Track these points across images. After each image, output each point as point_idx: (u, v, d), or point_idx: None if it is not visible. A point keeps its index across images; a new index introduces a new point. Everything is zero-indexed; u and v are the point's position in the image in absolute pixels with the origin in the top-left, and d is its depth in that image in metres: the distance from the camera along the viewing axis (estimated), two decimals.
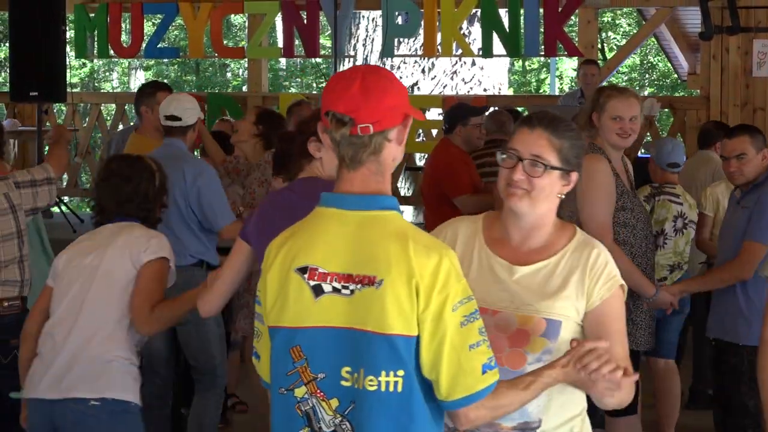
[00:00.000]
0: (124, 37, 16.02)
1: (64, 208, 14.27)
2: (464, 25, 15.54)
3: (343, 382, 3.49)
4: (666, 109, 15.52)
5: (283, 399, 3.60)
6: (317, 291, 3.52)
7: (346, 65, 18.93)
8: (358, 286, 3.47)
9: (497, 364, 3.61)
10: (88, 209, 19.91)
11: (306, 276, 3.54)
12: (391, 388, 3.43)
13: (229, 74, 31.55)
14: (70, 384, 5.58)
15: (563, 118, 4.17)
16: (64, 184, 17.52)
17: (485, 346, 3.49)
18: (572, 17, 14.73)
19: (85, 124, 16.61)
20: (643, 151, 12.45)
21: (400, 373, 3.43)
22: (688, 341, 9.77)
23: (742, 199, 6.91)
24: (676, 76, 26.04)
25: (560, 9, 14.44)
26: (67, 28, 15.03)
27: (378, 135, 3.50)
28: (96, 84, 32.70)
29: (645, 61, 32.75)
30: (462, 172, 9.46)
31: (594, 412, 8.10)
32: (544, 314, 3.94)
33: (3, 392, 7.14)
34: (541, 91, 32.03)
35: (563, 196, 4.07)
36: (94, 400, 5.60)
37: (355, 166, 3.53)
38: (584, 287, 3.98)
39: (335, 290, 3.49)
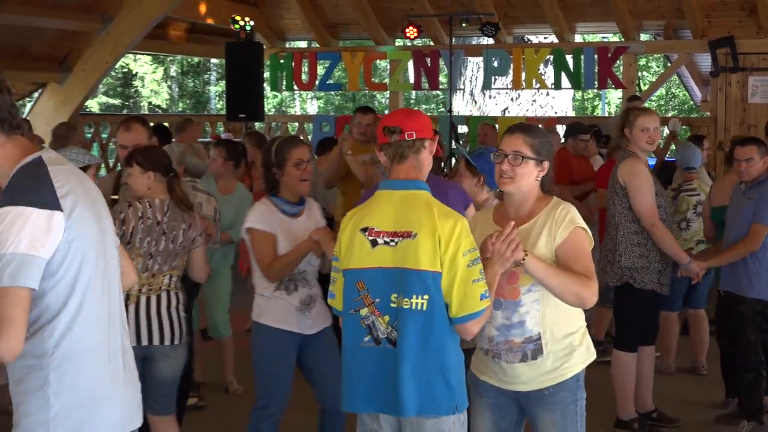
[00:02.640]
0: (303, 76, 16.12)
1: None
2: (541, 66, 15.41)
3: (392, 304, 3.75)
4: (685, 126, 15.32)
5: (352, 318, 3.85)
6: (373, 244, 3.79)
7: (458, 95, 18.91)
8: (400, 239, 3.74)
9: (501, 298, 4.01)
10: None
11: (366, 234, 3.81)
12: (419, 307, 3.69)
13: (376, 102, 31.61)
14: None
15: (533, 125, 4.38)
16: None
17: (483, 282, 3.72)
18: (618, 60, 14.52)
19: (276, 137, 16.79)
20: (668, 155, 12.31)
21: (426, 297, 3.69)
22: None
23: (747, 191, 6.81)
24: (692, 102, 25.50)
25: (609, 55, 14.34)
26: (265, 70, 15.20)
27: (418, 141, 3.82)
28: (284, 109, 32.98)
29: (669, 92, 32.23)
30: (562, 170, 9.33)
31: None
32: None
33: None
34: (594, 113, 31.65)
35: (539, 180, 4.17)
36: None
37: (401, 161, 3.85)
38: (551, 233, 4.05)
39: (385, 243, 3.77)
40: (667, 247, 6.46)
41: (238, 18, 14.56)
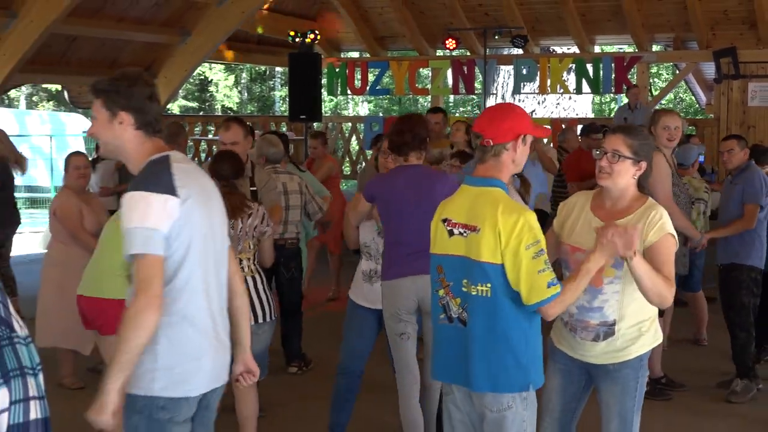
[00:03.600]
0: (356, 82, 16.16)
1: None
2: (564, 74, 15.33)
3: (463, 288, 3.64)
4: (691, 127, 15.20)
5: (434, 297, 3.78)
6: (450, 233, 3.69)
7: (492, 99, 18.89)
8: (470, 231, 3.61)
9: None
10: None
11: (445, 224, 3.71)
12: (483, 294, 3.57)
13: (419, 105, 31.58)
14: None
15: (636, 127, 4.14)
16: None
17: (549, 271, 3.53)
18: (632, 68, 14.43)
19: (332, 135, 16.86)
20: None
21: (488, 285, 3.55)
22: None
23: (734, 179, 7.04)
24: (698, 105, 25.24)
25: (625, 63, 14.25)
26: (322, 77, 15.24)
27: (497, 145, 3.63)
28: (339, 111, 33.06)
29: (677, 96, 31.92)
30: (573, 168, 9.29)
31: None
32: None
33: (285, 300, 7.18)
34: (611, 115, 31.34)
35: (636, 178, 3.99)
36: None
37: (481, 162, 3.69)
38: (643, 234, 3.84)
39: (460, 233, 3.64)
40: (682, 226, 6.49)
41: (306, 32, 14.66)
